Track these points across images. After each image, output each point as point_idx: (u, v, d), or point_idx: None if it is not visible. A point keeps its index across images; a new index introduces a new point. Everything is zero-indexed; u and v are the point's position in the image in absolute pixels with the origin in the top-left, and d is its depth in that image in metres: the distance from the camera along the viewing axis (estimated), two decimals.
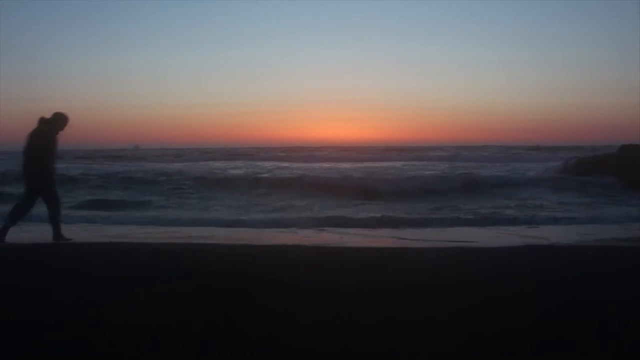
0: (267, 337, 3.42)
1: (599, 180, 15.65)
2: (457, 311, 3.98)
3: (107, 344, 3.27)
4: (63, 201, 13.31)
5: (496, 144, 67.06)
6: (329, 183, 16.70)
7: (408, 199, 13.86)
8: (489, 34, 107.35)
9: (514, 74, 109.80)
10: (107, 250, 6.83)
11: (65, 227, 7.82)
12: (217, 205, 13.73)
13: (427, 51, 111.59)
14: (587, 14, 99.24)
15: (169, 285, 4.81)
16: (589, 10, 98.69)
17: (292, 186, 16.50)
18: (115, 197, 15.38)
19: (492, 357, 3.11)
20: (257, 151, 54.33)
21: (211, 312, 3.97)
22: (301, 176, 18.93)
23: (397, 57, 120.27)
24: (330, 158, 38.75)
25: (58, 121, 7.26)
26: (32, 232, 8.97)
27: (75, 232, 8.20)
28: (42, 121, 7.23)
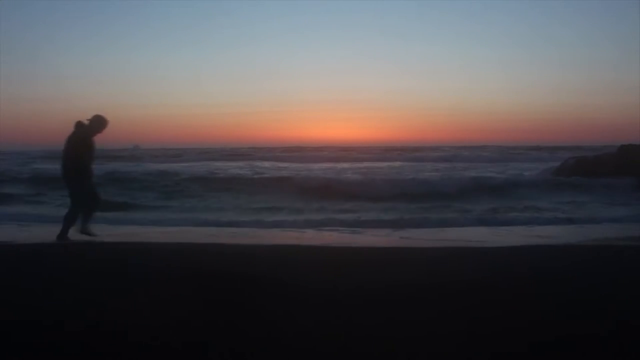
0: (267, 337, 3.42)
1: (599, 180, 15.65)
2: (457, 311, 3.98)
3: (107, 344, 3.27)
4: (61, 202, 13.37)
5: (496, 144, 67.12)
6: (327, 184, 16.68)
7: (408, 200, 13.85)
8: (488, 34, 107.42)
9: (513, 74, 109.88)
10: (107, 250, 6.82)
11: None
12: (217, 205, 13.74)
13: (427, 51, 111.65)
14: (586, 14, 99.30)
15: (169, 285, 4.81)
16: (588, 10, 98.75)
17: (291, 186, 16.49)
18: (113, 197, 15.33)
19: (491, 357, 3.11)
20: (256, 151, 54.34)
21: (211, 312, 3.97)
22: (300, 177, 18.95)
23: (397, 57, 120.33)
24: (329, 158, 38.72)
25: (97, 124, 7.33)
26: (32, 232, 8.98)
27: (75, 232, 8.18)
28: (80, 125, 7.30)
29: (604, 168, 16.98)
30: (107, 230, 9.14)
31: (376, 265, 5.86)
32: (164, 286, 4.75)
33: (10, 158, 41.34)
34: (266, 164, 33.78)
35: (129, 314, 3.90)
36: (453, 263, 5.92)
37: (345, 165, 31.19)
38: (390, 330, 3.56)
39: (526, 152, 47.01)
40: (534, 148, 55.12)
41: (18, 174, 21.52)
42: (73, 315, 3.84)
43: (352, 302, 4.25)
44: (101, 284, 4.86)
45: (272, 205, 13.58)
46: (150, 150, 62.06)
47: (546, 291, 4.58)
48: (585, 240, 8.09)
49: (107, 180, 18.59)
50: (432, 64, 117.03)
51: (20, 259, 6.17)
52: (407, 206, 12.86)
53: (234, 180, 18.63)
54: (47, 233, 7.67)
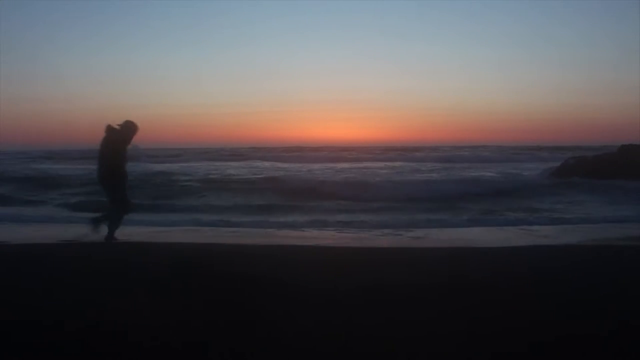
0: (267, 337, 3.42)
1: (599, 180, 15.64)
2: (457, 311, 3.98)
3: (107, 344, 3.27)
4: (60, 202, 13.35)
5: (496, 144, 67.18)
6: (321, 185, 16.68)
7: (408, 200, 13.83)
8: (488, 34, 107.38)
9: (513, 74, 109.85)
10: (107, 250, 6.82)
11: (65, 227, 7.82)
12: (212, 205, 13.72)
13: (427, 51, 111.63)
14: (586, 14, 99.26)
15: (169, 285, 4.81)
16: (588, 10, 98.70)
17: (289, 186, 16.47)
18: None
19: (491, 357, 3.11)
20: (256, 151, 54.33)
21: (211, 312, 3.97)
22: (295, 177, 18.98)
23: (397, 57, 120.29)
24: (328, 158, 38.71)
25: (128, 130, 7.42)
26: (32, 232, 8.98)
27: (75, 233, 8.18)
28: (111, 130, 7.38)
29: (604, 168, 16.97)
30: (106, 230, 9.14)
31: (376, 265, 5.86)
32: (164, 286, 4.75)
33: (8, 158, 41.36)
34: (266, 164, 33.79)
35: (129, 314, 3.90)
36: (453, 263, 5.93)
37: (345, 165, 31.17)
38: (390, 330, 3.56)
39: (526, 152, 47.01)
40: (534, 148, 55.16)
41: (17, 174, 21.51)
42: (73, 315, 3.84)
43: (353, 302, 4.25)
44: (101, 284, 4.86)
45: (266, 204, 13.56)
46: (148, 150, 61.75)
47: (546, 291, 4.58)
48: (585, 240, 8.10)
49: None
50: (432, 64, 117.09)
51: (20, 259, 6.16)
52: (406, 207, 12.82)
53: (230, 181, 18.63)
54: (47, 233, 7.66)
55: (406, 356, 3.11)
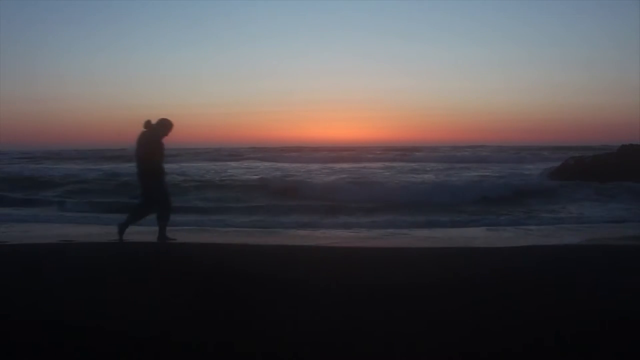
0: (268, 335, 3.41)
1: (599, 180, 15.62)
2: (457, 310, 3.98)
3: (107, 343, 3.26)
4: (58, 202, 13.31)
5: (495, 144, 67.24)
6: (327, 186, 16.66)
7: (406, 201, 13.81)
8: (488, 34, 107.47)
9: (513, 74, 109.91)
10: (107, 250, 6.82)
11: (65, 227, 7.80)
12: (215, 205, 13.70)
13: (427, 51, 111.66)
14: (586, 14, 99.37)
15: (169, 284, 4.80)
16: (588, 10, 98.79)
17: (288, 187, 16.44)
18: (109, 198, 15.25)
19: (491, 356, 3.10)
20: (255, 151, 54.33)
21: (212, 309, 3.97)
22: (300, 178, 18.93)
23: (397, 57, 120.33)
24: (328, 159, 38.68)
25: (164, 127, 7.44)
26: (32, 232, 8.96)
27: (73, 233, 8.17)
28: (149, 125, 7.39)
29: (605, 168, 16.95)
30: (106, 230, 9.13)
31: (377, 264, 5.88)
32: (165, 285, 4.75)
33: (7, 158, 41.36)
34: (266, 163, 33.81)
35: (129, 313, 3.89)
36: (453, 263, 5.93)
37: (345, 165, 31.13)
38: (390, 327, 3.57)
39: (526, 152, 47.02)
40: (534, 148, 55.21)
41: (17, 174, 21.49)
42: (73, 315, 3.83)
43: (352, 299, 4.25)
44: (101, 283, 4.85)
45: (260, 205, 13.51)
46: None
47: (546, 291, 4.58)
48: (585, 240, 8.10)
49: (102, 181, 18.58)
50: (432, 64, 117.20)
51: (21, 259, 6.16)
52: (406, 207, 12.80)
53: (224, 181, 18.61)
54: (47, 233, 7.65)
55: (406, 352, 3.11)
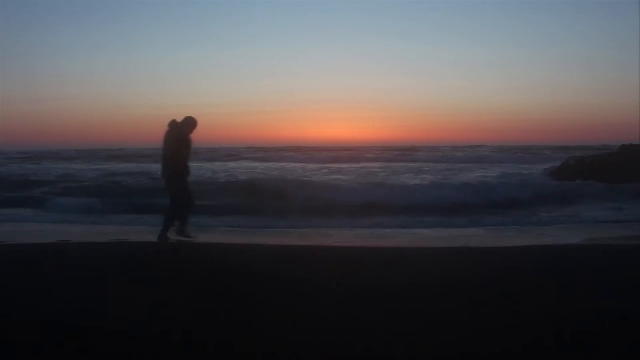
0: (268, 335, 3.41)
1: (599, 180, 15.62)
2: (457, 310, 3.98)
3: (108, 343, 3.26)
4: (52, 203, 13.24)
5: (495, 144, 67.20)
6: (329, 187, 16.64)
7: (406, 202, 13.80)
8: (488, 34, 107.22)
9: (513, 74, 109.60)
10: (106, 250, 6.81)
11: (65, 228, 7.78)
12: (214, 206, 13.66)
13: (427, 51, 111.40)
14: (586, 14, 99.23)
15: (169, 284, 4.80)
16: (588, 10, 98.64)
17: (281, 187, 16.39)
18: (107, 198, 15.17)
19: (491, 355, 3.10)
20: (254, 151, 54.32)
21: (212, 309, 3.97)
22: (299, 179, 18.92)
23: (397, 57, 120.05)
24: (328, 159, 38.66)
25: (189, 125, 7.48)
26: (32, 232, 8.95)
27: (73, 233, 8.17)
28: (174, 124, 7.43)
29: (605, 168, 16.95)
30: (105, 230, 9.14)
31: (377, 264, 5.88)
32: (165, 284, 4.75)
33: (2, 157, 41.32)
34: (266, 164, 33.80)
35: (129, 313, 3.90)
36: (453, 263, 5.93)
37: (344, 165, 31.10)
38: (390, 327, 3.57)
39: (526, 152, 47.02)
40: (534, 148, 55.18)
41: (16, 174, 21.48)
42: (74, 315, 3.83)
43: (353, 298, 4.25)
44: (101, 283, 4.85)
45: (256, 206, 13.44)
46: (144, 150, 61.40)
47: (546, 291, 4.58)
48: (585, 240, 8.10)
49: (102, 181, 18.56)
50: (432, 64, 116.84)
51: (21, 259, 6.15)
52: (402, 207, 12.78)
53: (229, 183, 18.58)
54: (47, 233, 7.64)
55: (406, 350, 3.12)
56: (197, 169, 26.94)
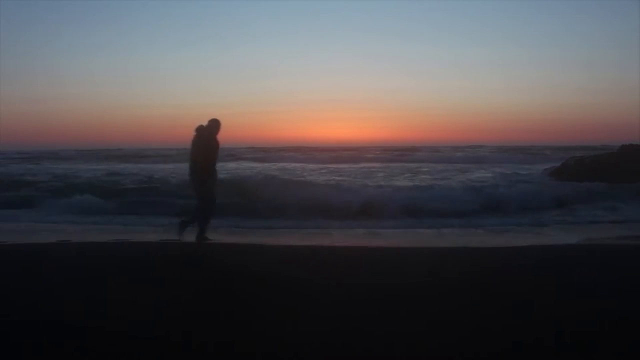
0: (268, 335, 3.41)
1: (599, 180, 15.61)
2: (457, 310, 3.98)
3: (108, 343, 3.26)
4: (52, 203, 13.21)
5: (495, 144, 67.15)
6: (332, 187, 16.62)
7: (407, 202, 13.79)
8: (488, 34, 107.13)
9: (513, 74, 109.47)
10: (107, 250, 6.81)
11: (65, 227, 7.78)
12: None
13: (427, 51, 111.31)
14: (586, 14, 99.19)
15: (169, 284, 4.80)
16: (588, 10, 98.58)
17: (278, 188, 16.36)
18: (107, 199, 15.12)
19: (490, 355, 3.10)
20: (254, 151, 54.29)
21: (212, 309, 3.97)
22: (299, 179, 18.90)
23: (397, 57, 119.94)
24: (327, 159, 38.61)
25: (215, 126, 7.65)
26: (32, 232, 8.96)
27: (72, 233, 8.17)
28: (201, 129, 7.59)
29: (605, 168, 16.93)
30: (105, 230, 9.13)
31: (377, 264, 5.87)
32: (166, 284, 4.74)
33: (6, 158, 41.30)
34: (266, 164, 33.78)
35: (129, 313, 3.90)
36: (453, 263, 5.93)
37: (343, 165, 31.08)
38: (390, 327, 3.57)
39: (526, 152, 46.99)
40: (533, 148, 55.15)
41: (16, 174, 21.46)
42: (74, 315, 3.83)
43: (353, 297, 4.25)
44: (101, 282, 4.85)
45: (253, 207, 13.42)
46: (143, 150, 61.26)
47: (545, 290, 4.58)
48: (585, 240, 8.10)
49: (101, 181, 18.53)
50: (432, 64, 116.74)
51: (21, 259, 6.15)
52: (402, 208, 12.78)
53: (229, 183, 18.51)
54: (47, 233, 7.64)
55: (406, 350, 3.12)
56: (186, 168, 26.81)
